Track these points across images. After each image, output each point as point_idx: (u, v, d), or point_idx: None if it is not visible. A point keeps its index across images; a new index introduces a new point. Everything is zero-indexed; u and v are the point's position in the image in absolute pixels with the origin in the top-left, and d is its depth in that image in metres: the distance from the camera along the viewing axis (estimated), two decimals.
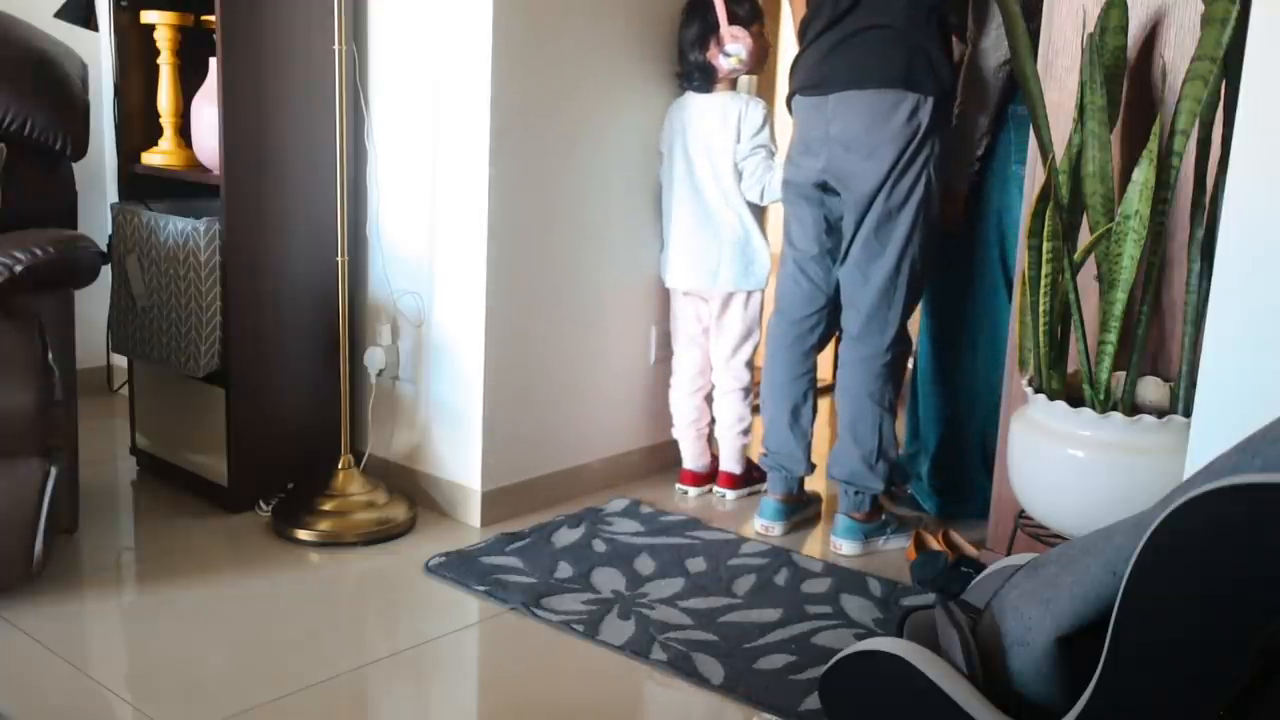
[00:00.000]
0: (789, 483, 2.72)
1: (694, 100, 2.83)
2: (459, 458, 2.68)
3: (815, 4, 2.52)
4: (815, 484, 2.87)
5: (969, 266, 2.70)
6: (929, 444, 2.81)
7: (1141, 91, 2.17)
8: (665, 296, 3.00)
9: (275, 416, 2.69)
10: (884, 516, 2.64)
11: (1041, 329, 2.08)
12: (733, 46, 2.74)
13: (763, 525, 2.70)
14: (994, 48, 2.49)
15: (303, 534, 2.51)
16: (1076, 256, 2.07)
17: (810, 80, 2.50)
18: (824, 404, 3.07)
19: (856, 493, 2.58)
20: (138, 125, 2.78)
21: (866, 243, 2.48)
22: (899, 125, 2.39)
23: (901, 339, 2.55)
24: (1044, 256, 2.06)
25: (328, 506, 2.56)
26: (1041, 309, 2.08)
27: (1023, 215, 2.32)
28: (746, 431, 2.93)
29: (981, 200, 2.65)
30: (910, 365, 2.77)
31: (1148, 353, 2.19)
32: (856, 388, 2.55)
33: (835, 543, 2.60)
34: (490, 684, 2.03)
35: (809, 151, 2.53)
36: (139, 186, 2.78)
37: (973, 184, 2.63)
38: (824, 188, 2.55)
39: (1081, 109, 2.04)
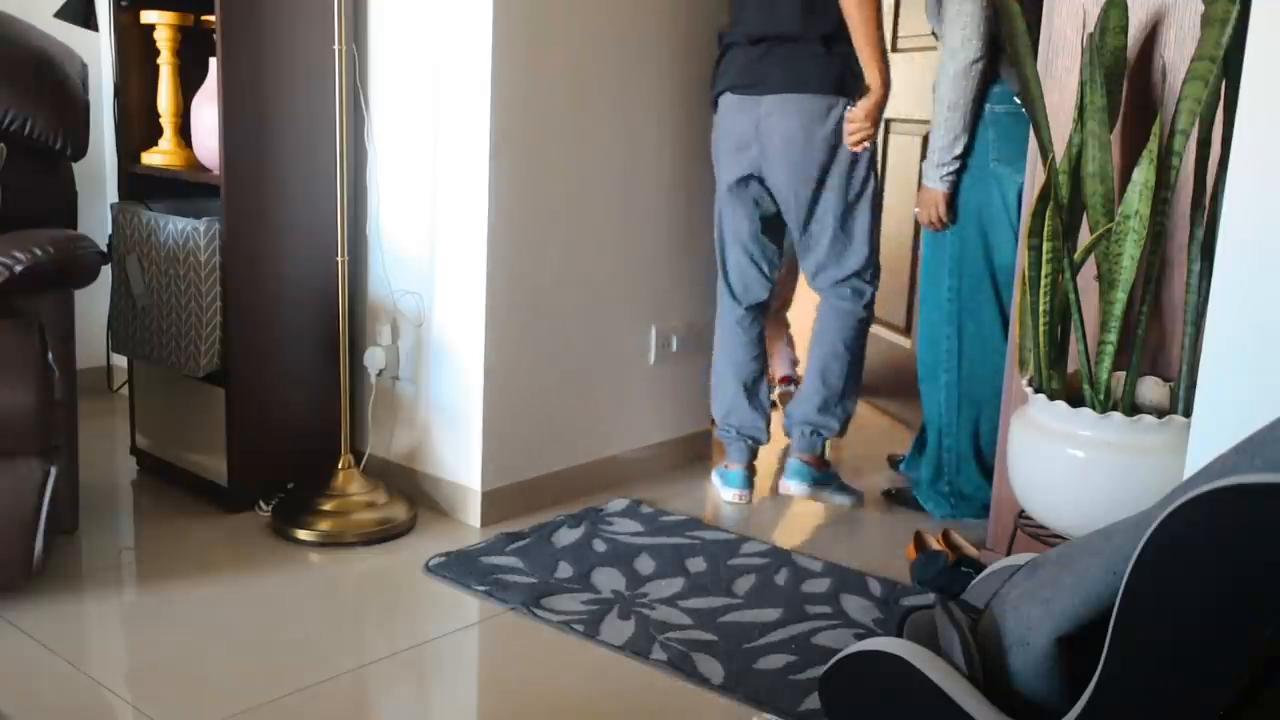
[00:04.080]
0: (752, 450, 2.91)
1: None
2: (459, 458, 2.68)
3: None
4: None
5: (955, 264, 2.72)
6: (930, 445, 2.82)
7: (1141, 91, 2.17)
8: (665, 297, 3.00)
9: (275, 416, 2.69)
10: (832, 470, 2.90)
11: (1041, 329, 2.08)
12: None
13: (736, 494, 2.87)
14: (962, 46, 2.51)
15: (303, 534, 2.51)
16: (1076, 256, 2.07)
17: (743, 80, 2.67)
18: None
19: (813, 432, 2.84)
20: (138, 125, 2.78)
21: (835, 235, 2.73)
22: (832, 127, 2.63)
23: (873, 299, 2.83)
24: (1044, 256, 2.06)
25: (328, 506, 2.56)
26: (1041, 309, 2.08)
27: (1022, 215, 2.32)
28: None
29: (962, 198, 2.67)
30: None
31: (1148, 353, 2.19)
32: (833, 336, 2.80)
33: (784, 484, 2.86)
34: (490, 684, 2.03)
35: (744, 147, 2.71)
36: (139, 186, 2.78)
37: (952, 183, 2.65)
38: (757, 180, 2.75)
39: (1081, 109, 2.04)
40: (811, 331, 2.87)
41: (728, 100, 2.70)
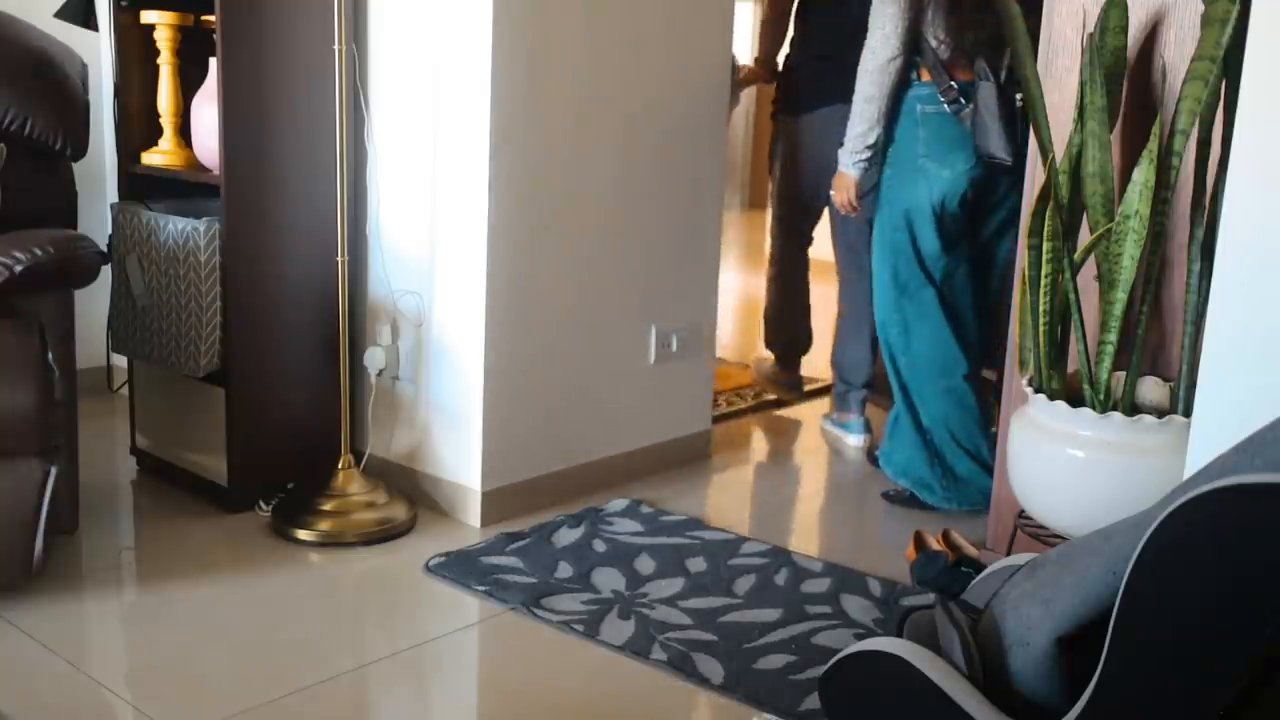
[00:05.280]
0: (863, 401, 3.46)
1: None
2: (459, 458, 2.68)
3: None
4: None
5: (890, 252, 2.84)
6: (911, 434, 2.87)
7: (1141, 91, 2.17)
8: (665, 297, 3.00)
9: (275, 416, 2.69)
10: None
11: (1041, 329, 2.08)
12: None
13: (863, 439, 3.35)
14: (881, 45, 2.70)
15: (303, 534, 2.51)
16: (1076, 256, 2.07)
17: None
18: None
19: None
20: (138, 125, 2.78)
21: None
22: None
23: None
24: (1044, 256, 2.06)
25: (328, 506, 2.56)
26: (1041, 309, 2.08)
27: (1022, 215, 2.33)
28: None
29: (889, 191, 2.82)
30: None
31: (1148, 353, 2.19)
32: None
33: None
34: (490, 684, 2.03)
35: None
36: (139, 186, 2.78)
37: (864, 169, 2.84)
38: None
39: (1081, 109, 2.04)
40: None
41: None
